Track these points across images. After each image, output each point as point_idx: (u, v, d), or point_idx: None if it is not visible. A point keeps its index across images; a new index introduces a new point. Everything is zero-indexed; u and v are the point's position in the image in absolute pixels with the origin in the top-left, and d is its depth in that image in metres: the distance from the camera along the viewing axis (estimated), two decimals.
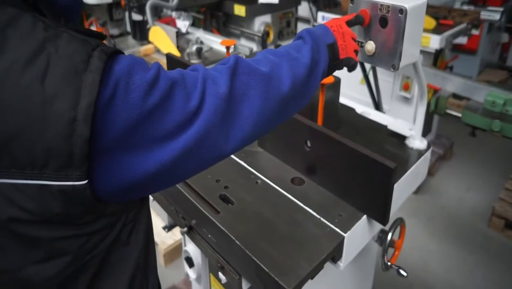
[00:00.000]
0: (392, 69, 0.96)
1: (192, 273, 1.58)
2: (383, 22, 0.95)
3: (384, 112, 2.42)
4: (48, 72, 0.52)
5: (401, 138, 1.26)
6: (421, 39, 1.01)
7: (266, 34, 3.45)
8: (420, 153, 1.20)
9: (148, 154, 0.58)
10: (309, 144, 1.06)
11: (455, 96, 1.98)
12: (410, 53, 0.97)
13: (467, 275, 2.22)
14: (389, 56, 0.96)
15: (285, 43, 4.05)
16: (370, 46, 0.99)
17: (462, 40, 3.11)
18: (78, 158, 0.53)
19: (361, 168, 0.93)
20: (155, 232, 2.95)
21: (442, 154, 3.06)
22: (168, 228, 2.29)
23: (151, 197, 1.35)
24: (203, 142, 0.62)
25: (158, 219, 2.74)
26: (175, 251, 2.62)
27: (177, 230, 2.46)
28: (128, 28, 3.13)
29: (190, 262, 1.57)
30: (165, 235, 2.62)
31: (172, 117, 0.59)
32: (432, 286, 2.14)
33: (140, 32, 2.77)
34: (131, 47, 2.71)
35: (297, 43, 0.81)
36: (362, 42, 1.01)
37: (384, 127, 1.32)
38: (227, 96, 0.64)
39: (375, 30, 0.98)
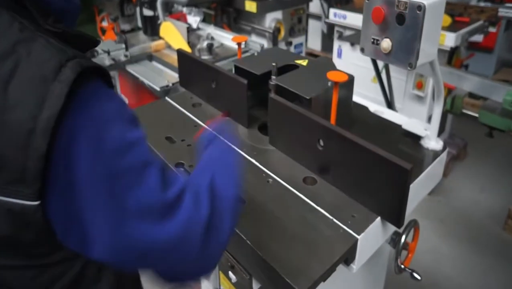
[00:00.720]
0: (409, 68, 0.93)
1: None
2: (400, 19, 0.93)
3: (396, 111, 2.39)
4: (14, 76, 0.48)
5: (416, 138, 1.24)
6: (439, 37, 0.98)
7: (277, 30, 3.43)
8: (436, 154, 1.17)
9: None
10: (322, 143, 1.04)
11: (470, 95, 1.94)
12: (427, 51, 0.94)
13: (481, 279, 2.18)
14: (406, 54, 0.93)
15: (296, 39, 4.01)
16: (386, 43, 0.96)
17: (478, 37, 3.05)
18: (31, 174, 0.48)
19: (375, 169, 0.90)
20: None
21: (456, 154, 3.02)
22: None
23: None
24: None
25: None
26: None
27: None
28: (139, 24, 3.12)
29: None
30: None
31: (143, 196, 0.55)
32: None
33: (151, 27, 2.76)
34: (142, 42, 2.70)
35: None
36: (377, 40, 0.99)
37: (398, 126, 1.30)
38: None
39: (391, 27, 0.95)
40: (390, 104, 2.83)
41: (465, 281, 2.17)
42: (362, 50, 1.05)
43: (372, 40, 1.00)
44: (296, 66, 1.36)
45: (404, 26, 0.92)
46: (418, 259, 2.24)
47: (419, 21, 0.89)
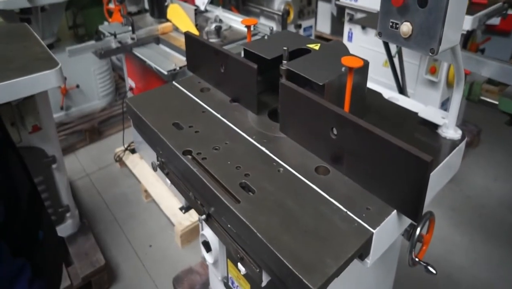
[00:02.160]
0: (430, 54, 0.88)
1: (209, 258, 1.56)
2: (422, 1, 0.87)
3: (408, 96, 2.33)
4: None
5: (433, 126, 1.19)
6: (463, 20, 0.92)
7: (286, 13, 3.35)
8: (454, 144, 1.12)
9: None
10: (335, 131, 0.99)
11: (489, 81, 1.86)
12: (450, 36, 0.88)
13: (493, 268, 2.14)
14: (428, 39, 0.88)
15: (306, 22, 3.93)
16: (406, 27, 0.91)
17: (495, 21, 2.95)
18: None
19: (392, 160, 0.86)
20: (172, 212, 2.97)
21: (469, 141, 2.95)
22: (185, 209, 2.27)
23: (168, 181, 1.31)
24: None
25: (174, 199, 2.74)
26: (192, 232, 2.61)
27: (194, 211, 2.45)
28: (146, 6, 3.06)
29: (207, 246, 1.54)
30: (182, 216, 2.62)
31: None
32: (456, 279, 2.08)
33: (158, 9, 2.71)
34: (149, 24, 2.65)
35: None
36: (397, 24, 0.93)
37: (414, 114, 1.25)
38: None
39: (412, 10, 0.89)
40: (402, 90, 2.77)
41: (478, 271, 2.14)
42: (380, 34, 0.99)
43: (390, 23, 0.95)
44: (308, 51, 1.30)
45: (427, 9, 0.86)
46: (429, 248, 2.20)
47: (443, 3, 0.83)
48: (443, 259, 2.15)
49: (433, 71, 2.73)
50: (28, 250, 0.86)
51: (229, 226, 0.96)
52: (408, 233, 1.09)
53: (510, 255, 2.21)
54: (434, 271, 1.06)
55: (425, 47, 0.89)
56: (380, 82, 1.72)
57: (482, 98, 1.89)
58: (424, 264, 1.07)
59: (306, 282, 0.73)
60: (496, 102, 1.79)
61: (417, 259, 1.08)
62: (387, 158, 0.87)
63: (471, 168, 2.88)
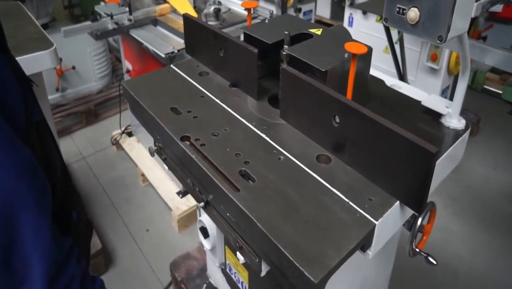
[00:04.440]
0: (438, 41, 0.85)
1: (206, 244, 1.55)
2: None
3: (408, 83, 2.30)
4: None
5: (436, 115, 1.17)
6: (473, 7, 0.89)
7: None
8: (458, 134, 1.10)
9: None
10: (337, 119, 0.97)
11: (492, 70, 1.83)
12: (459, 23, 0.86)
13: (491, 258, 2.15)
14: (436, 26, 0.85)
15: (306, 6, 3.86)
16: (414, 13, 0.88)
17: (498, 8, 2.90)
18: None
19: (396, 150, 0.84)
20: (169, 197, 2.95)
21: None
22: (182, 193, 2.25)
23: (165, 167, 1.29)
24: None
25: (172, 184, 2.72)
26: (190, 217, 2.61)
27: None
28: None
29: (205, 232, 1.53)
30: (179, 201, 2.61)
31: None
32: (454, 269, 2.08)
33: None
34: (146, 6, 2.59)
35: None
36: (404, 9, 0.90)
37: (417, 102, 1.22)
38: None
39: None
40: (402, 77, 2.74)
41: (476, 260, 2.14)
42: (386, 20, 0.96)
43: (397, 9, 0.91)
44: (310, 35, 1.27)
45: None
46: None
47: None
48: (441, 248, 2.16)
49: (434, 58, 2.69)
50: (66, 230, 0.84)
51: (228, 214, 0.94)
52: (409, 224, 1.08)
53: (508, 244, 2.22)
54: (434, 262, 1.05)
55: (433, 34, 0.86)
56: (380, 68, 1.68)
57: (486, 87, 1.86)
58: (425, 254, 1.06)
59: (308, 275, 0.71)
60: (498, 91, 1.76)
61: (417, 250, 1.07)
62: (390, 148, 0.85)
63: (471, 157, 2.87)
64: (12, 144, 0.66)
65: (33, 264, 0.69)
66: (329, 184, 0.92)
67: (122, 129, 3.24)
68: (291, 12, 3.57)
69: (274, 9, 3.11)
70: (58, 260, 0.74)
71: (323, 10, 4.89)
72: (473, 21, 2.59)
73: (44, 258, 0.70)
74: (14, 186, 0.65)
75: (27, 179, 0.68)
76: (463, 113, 1.15)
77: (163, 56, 2.12)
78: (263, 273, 0.92)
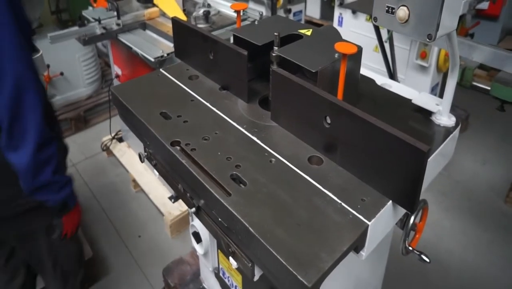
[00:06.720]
0: (427, 40, 0.85)
1: (199, 249, 1.54)
2: None
3: (399, 82, 2.31)
4: None
5: (426, 113, 1.17)
6: (461, 5, 0.89)
7: None
8: (448, 131, 1.10)
9: None
10: (329, 120, 0.97)
11: (480, 66, 1.85)
12: (448, 21, 0.86)
13: (482, 252, 2.16)
14: (425, 24, 0.85)
15: (295, 7, 3.86)
16: (403, 12, 0.87)
17: (484, 5, 2.93)
18: None
19: (388, 150, 0.84)
20: (161, 202, 2.95)
21: None
22: (175, 198, 2.24)
23: (156, 173, 1.28)
24: None
25: (164, 189, 2.70)
26: (182, 222, 2.59)
27: None
28: None
29: (197, 237, 1.52)
30: (171, 206, 2.59)
31: None
32: (446, 263, 2.09)
33: None
34: (134, 10, 2.57)
35: None
36: (393, 8, 0.90)
37: (408, 101, 1.22)
38: None
39: None
40: (392, 75, 2.75)
41: (466, 255, 2.16)
42: (375, 19, 0.96)
43: (386, 8, 0.91)
44: (300, 36, 1.26)
45: None
46: None
47: None
48: (432, 243, 2.17)
49: (423, 56, 2.71)
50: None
51: (220, 219, 0.93)
52: (402, 222, 1.08)
53: (498, 239, 2.24)
54: (427, 260, 1.05)
55: (422, 33, 0.86)
56: (370, 67, 1.69)
57: (474, 83, 1.87)
58: (418, 252, 1.06)
59: (301, 279, 0.70)
60: (486, 87, 1.78)
61: (410, 248, 1.07)
62: (382, 147, 0.85)
63: (460, 152, 2.89)
64: (23, 41, 1.10)
65: (29, 129, 1.13)
66: (321, 186, 0.92)
67: (113, 134, 3.22)
68: (281, 13, 3.57)
69: (263, 10, 3.11)
70: (46, 133, 1.19)
71: (313, 11, 4.90)
72: (461, 18, 2.61)
73: (37, 125, 1.15)
74: (24, 73, 1.09)
75: (33, 70, 1.16)
76: (452, 109, 1.15)
77: (153, 60, 2.11)
78: (256, 278, 0.91)
